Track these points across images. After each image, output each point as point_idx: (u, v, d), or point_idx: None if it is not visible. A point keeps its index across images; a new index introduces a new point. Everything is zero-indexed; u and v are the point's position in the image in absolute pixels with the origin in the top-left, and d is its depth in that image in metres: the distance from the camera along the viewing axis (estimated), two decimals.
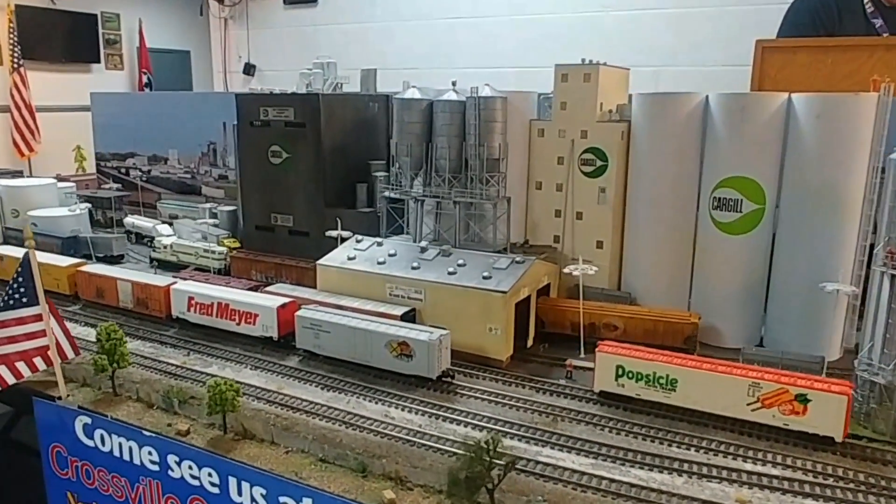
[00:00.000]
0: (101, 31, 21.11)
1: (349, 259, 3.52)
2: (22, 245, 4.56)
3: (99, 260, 4.97)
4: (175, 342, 3.46)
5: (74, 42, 20.33)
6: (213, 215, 5.55)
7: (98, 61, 21.23)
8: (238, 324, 3.34)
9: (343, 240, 3.84)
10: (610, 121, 3.72)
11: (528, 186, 3.95)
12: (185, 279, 3.78)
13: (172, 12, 24.13)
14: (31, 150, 19.30)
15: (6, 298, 2.75)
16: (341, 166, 4.43)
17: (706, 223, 3.51)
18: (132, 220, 5.63)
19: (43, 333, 2.79)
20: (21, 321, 2.74)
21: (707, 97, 3.48)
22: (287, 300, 3.30)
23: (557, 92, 3.75)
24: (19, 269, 2.74)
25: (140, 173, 6.61)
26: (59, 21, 19.53)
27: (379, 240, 3.69)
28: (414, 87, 3.87)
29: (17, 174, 7.34)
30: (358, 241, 3.71)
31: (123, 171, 6.84)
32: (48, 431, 2.82)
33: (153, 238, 5.41)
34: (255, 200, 4.54)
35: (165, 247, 4.75)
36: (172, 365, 3.21)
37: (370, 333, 2.98)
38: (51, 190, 5.64)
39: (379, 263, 3.45)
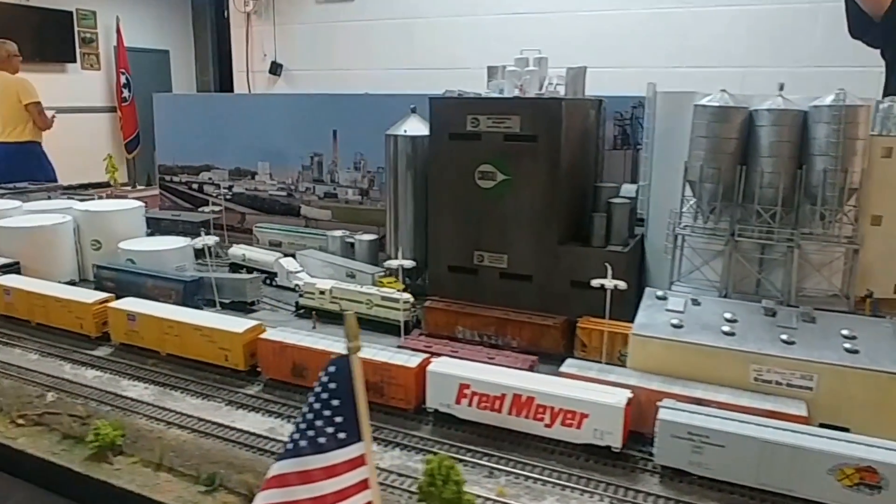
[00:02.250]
0: (76, 29, 19.75)
1: (675, 327, 2.58)
2: (114, 292, 3.47)
3: (225, 308, 3.90)
4: (436, 448, 2.37)
5: (48, 41, 18.99)
6: (349, 245, 4.51)
7: (74, 60, 20.00)
8: (549, 425, 2.37)
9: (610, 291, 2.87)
10: None
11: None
12: (427, 352, 2.76)
13: (151, 10, 22.85)
14: None
15: (306, 429, 1.68)
16: (573, 192, 3.48)
17: None
18: (241, 250, 4.52)
19: (363, 486, 1.72)
20: (331, 472, 1.66)
21: None
22: (626, 392, 2.33)
23: None
24: (328, 383, 1.67)
25: (219, 190, 5.49)
26: (32, 18, 18.14)
27: (692, 296, 2.76)
28: (706, 94, 2.95)
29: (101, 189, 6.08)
30: (661, 299, 2.77)
31: (195, 186, 5.71)
32: None
33: (270, 275, 4.34)
34: (449, 233, 3.53)
35: (322, 292, 3.71)
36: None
37: (803, 453, 2.06)
38: (137, 214, 4.51)
39: (726, 334, 2.52)
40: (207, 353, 2.96)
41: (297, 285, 4.17)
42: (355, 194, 5.11)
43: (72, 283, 4.14)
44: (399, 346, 2.97)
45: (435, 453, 2.23)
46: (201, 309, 3.50)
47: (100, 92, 21.81)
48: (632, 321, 2.85)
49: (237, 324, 2.97)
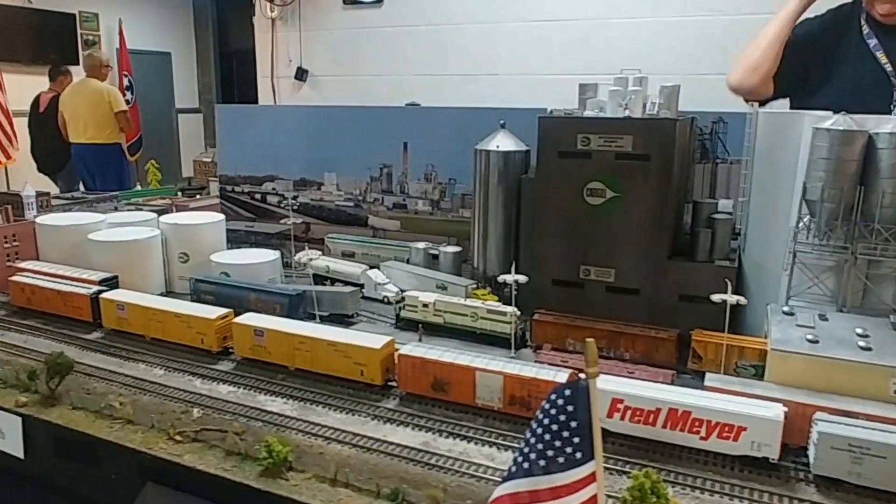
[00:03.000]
0: (79, 31, 19.75)
1: (811, 342, 2.70)
2: (213, 305, 3.57)
3: (324, 321, 3.97)
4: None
5: (51, 43, 19.02)
6: (433, 257, 4.60)
7: (76, 63, 20.06)
8: (704, 438, 2.48)
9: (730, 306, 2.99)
10: None
11: None
12: (566, 367, 2.86)
13: (153, 12, 22.89)
14: (8, 157, 17.79)
15: (543, 449, 1.78)
16: (678, 208, 3.59)
17: None
18: (324, 261, 4.59)
19: (593, 502, 1.83)
20: (569, 489, 1.77)
21: None
22: (779, 406, 2.45)
23: None
24: (564, 406, 1.77)
25: (283, 200, 5.55)
26: (34, 21, 18.13)
27: (818, 312, 2.88)
28: (818, 116, 3.07)
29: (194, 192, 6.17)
30: (788, 315, 2.89)
31: (259, 197, 5.77)
32: None
33: (355, 286, 4.41)
34: (555, 248, 3.63)
35: (426, 305, 3.80)
36: None
37: None
38: (221, 227, 4.56)
39: (864, 349, 2.65)
40: (341, 367, 3.04)
41: (385, 297, 4.27)
42: (425, 205, 5.20)
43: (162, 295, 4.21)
44: (536, 361, 3.07)
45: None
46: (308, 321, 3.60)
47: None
48: (741, 333, 3.00)
49: (371, 339, 3.05)
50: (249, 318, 3.30)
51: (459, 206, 5.07)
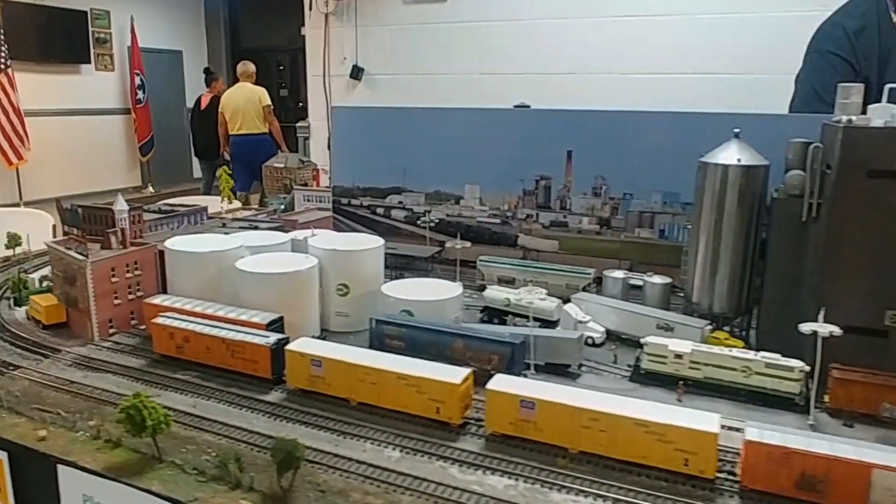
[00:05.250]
0: (90, 29, 19.04)
1: None
2: (399, 352, 3.00)
3: (539, 371, 3.23)
4: None
5: (63, 41, 18.31)
6: (631, 287, 3.88)
7: (88, 61, 19.36)
8: None
9: None
10: None
11: None
12: None
13: (164, 9, 22.24)
14: (20, 157, 17.05)
15: None
16: None
17: None
18: (500, 293, 3.82)
19: None
20: None
21: None
22: None
23: None
24: None
25: (410, 215, 4.81)
26: (46, 18, 17.39)
27: None
28: None
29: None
30: None
31: (381, 212, 5.01)
32: None
33: (545, 324, 3.67)
34: (853, 288, 2.94)
35: (679, 356, 3.08)
36: None
37: None
38: (380, 253, 3.80)
39: None
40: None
41: (590, 339, 3.55)
42: (591, 223, 4.48)
43: (321, 337, 3.46)
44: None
45: None
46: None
47: (113, 93, 21.00)
48: None
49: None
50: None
51: (636, 226, 4.36)
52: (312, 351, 2.79)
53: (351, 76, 10.02)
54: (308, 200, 6.07)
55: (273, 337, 2.91)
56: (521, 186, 4.59)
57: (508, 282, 4.28)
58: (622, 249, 4.39)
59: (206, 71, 16.55)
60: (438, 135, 4.76)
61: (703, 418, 2.32)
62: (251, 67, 12.77)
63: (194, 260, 3.46)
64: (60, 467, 2.37)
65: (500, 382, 2.57)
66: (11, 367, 3.05)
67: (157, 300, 3.32)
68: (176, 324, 3.06)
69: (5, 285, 4.16)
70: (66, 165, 17.27)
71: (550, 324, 3.67)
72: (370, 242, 3.74)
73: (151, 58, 20.02)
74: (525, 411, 2.48)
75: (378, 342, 3.21)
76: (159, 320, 3.10)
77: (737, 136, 3.46)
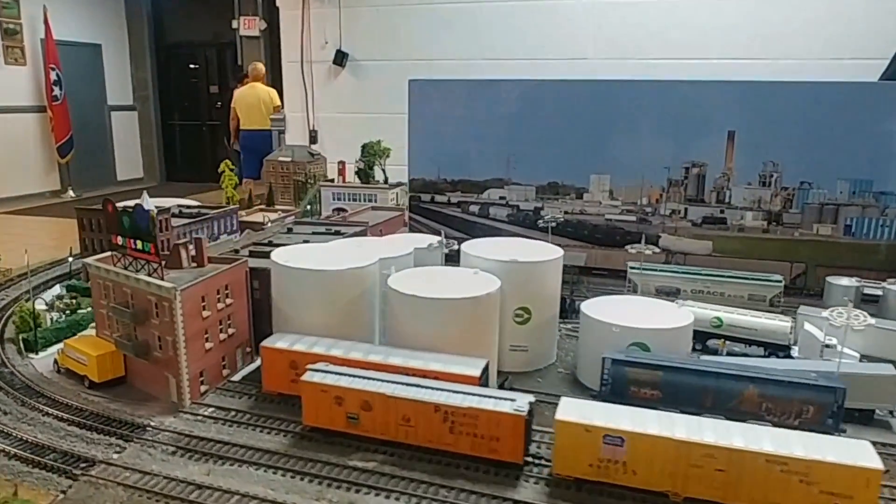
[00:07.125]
0: None
1: None
2: (652, 404, 2.07)
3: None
4: None
5: None
6: (864, 298, 3.04)
7: None
8: None
9: None
10: None
11: None
12: None
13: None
14: None
15: None
16: None
17: None
18: (712, 310, 2.89)
19: None
20: None
21: None
22: None
23: None
24: None
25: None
26: None
27: None
28: None
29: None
30: None
31: (476, 209, 3.96)
32: None
33: (776, 349, 2.78)
34: None
35: None
36: None
37: None
38: (558, 266, 2.77)
39: None
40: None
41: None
42: (757, 219, 3.65)
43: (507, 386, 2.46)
44: None
45: None
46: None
47: (26, 90, 19.10)
48: None
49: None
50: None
51: (815, 221, 3.57)
52: (600, 421, 1.78)
53: (334, 62, 8.87)
54: (338, 199, 5.02)
55: (521, 399, 1.88)
56: (667, 176, 3.70)
57: (671, 293, 3.38)
58: (794, 250, 3.59)
59: (238, 69, 16.51)
60: (551, 113, 3.80)
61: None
62: (261, 69, 13.42)
63: (326, 281, 2.36)
64: None
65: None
66: (83, 463, 1.87)
67: (284, 343, 2.22)
68: (342, 382, 1.97)
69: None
70: None
71: (781, 349, 2.81)
72: (545, 250, 2.75)
73: (68, 52, 18.24)
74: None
75: (618, 392, 2.23)
76: (313, 377, 2.00)
77: None
